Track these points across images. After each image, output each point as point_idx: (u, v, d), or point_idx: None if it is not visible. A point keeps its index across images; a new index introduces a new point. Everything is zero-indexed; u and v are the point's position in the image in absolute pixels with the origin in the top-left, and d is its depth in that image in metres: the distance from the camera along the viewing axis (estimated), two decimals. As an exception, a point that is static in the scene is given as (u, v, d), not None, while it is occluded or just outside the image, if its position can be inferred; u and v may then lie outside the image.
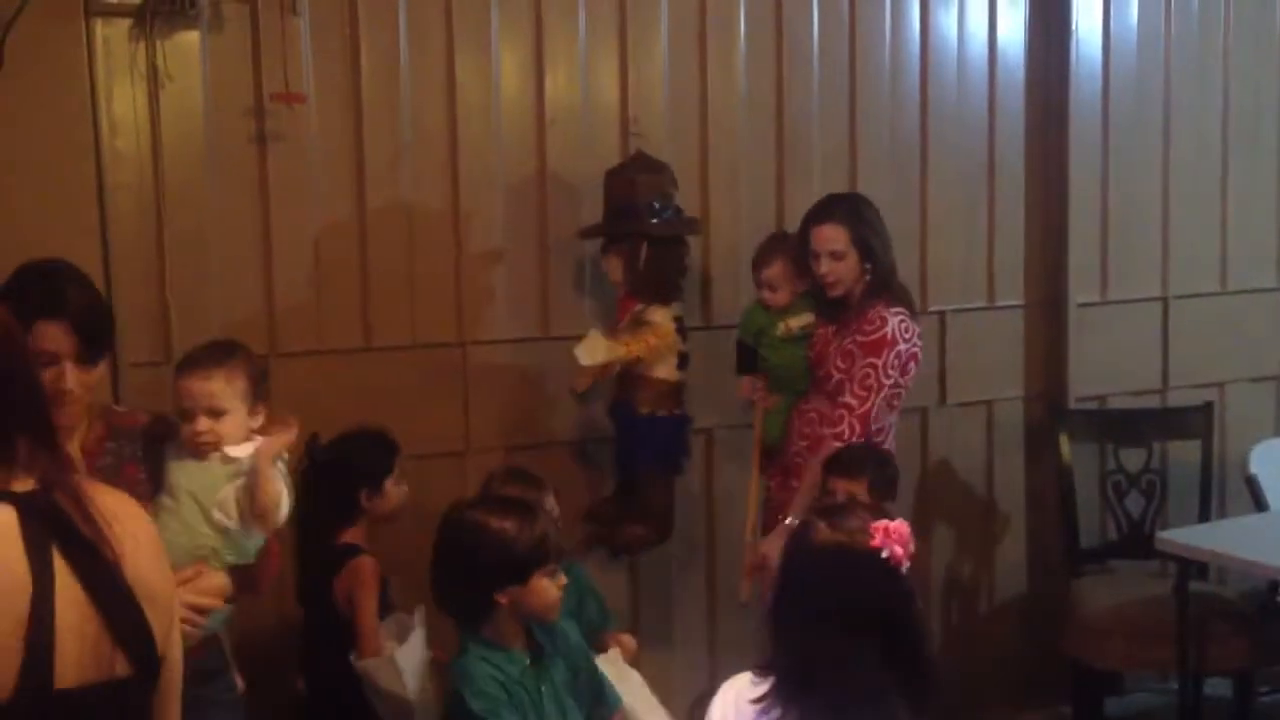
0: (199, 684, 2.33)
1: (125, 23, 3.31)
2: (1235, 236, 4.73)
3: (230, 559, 2.43)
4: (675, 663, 4.04)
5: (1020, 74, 4.40)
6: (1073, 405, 4.46)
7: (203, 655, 2.40)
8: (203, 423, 2.41)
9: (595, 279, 3.84)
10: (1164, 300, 4.64)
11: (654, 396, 3.65)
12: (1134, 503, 4.37)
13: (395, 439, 3.32)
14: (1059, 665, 4.32)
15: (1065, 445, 4.34)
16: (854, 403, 3.49)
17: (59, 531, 1.46)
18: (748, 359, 3.80)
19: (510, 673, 2.63)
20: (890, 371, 3.48)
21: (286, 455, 2.50)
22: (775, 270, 3.69)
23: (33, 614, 1.41)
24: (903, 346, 3.50)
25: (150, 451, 2.48)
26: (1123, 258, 4.56)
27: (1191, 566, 3.86)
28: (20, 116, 3.19)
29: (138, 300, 3.34)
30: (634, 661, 3.32)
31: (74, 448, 2.36)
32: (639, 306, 3.60)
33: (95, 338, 2.35)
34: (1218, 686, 4.13)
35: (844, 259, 3.54)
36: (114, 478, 2.35)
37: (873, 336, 3.49)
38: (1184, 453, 4.44)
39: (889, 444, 3.60)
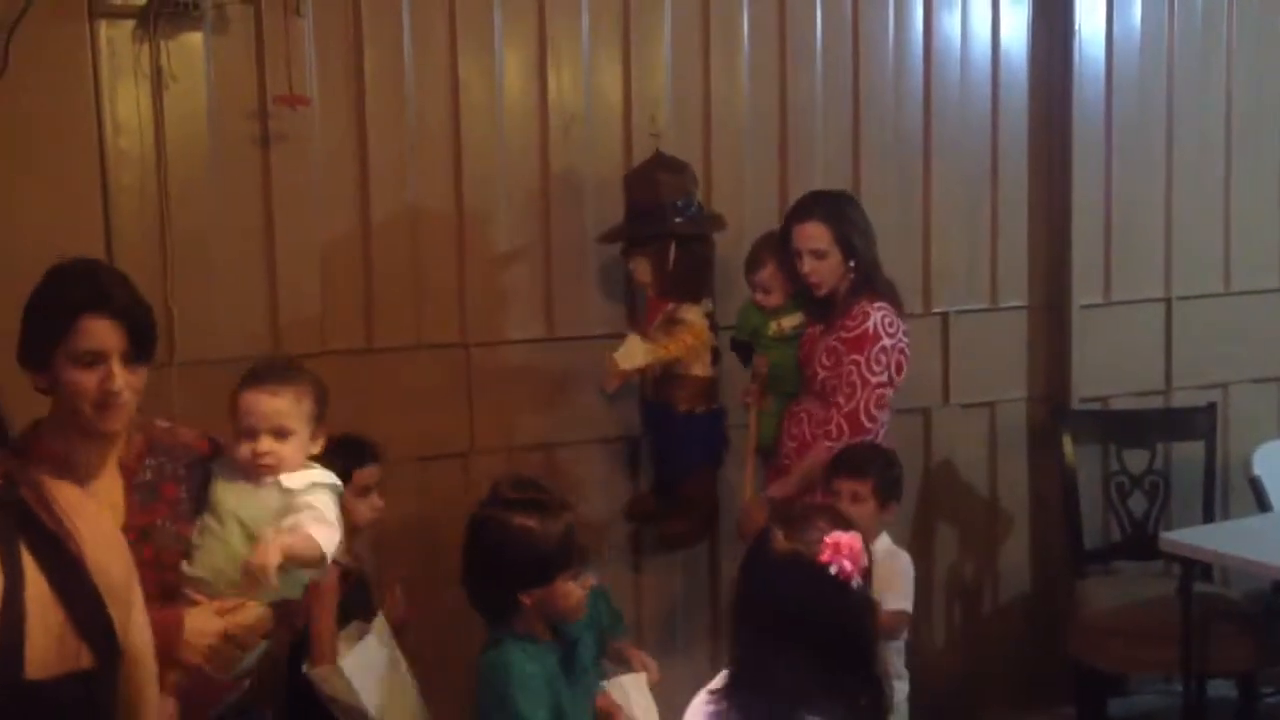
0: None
1: (129, 24, 3.31)
2: (1239, 237, 4.72)
3: (271, 595, 2.27)
4: (678, 662, 4.03)
5: (1023, 74, 4.40)
6: (1076, 406, 4.46)
7: (234, 690, 2.33)
8: (266, 443, 2.29)
9: (600, 280, 3.84)
10: (1167, 301, 4.64)
11: (691, 394, 3.67)
12: (1137, 504, 4.36)
13: (365, 450, 3.15)
14: (1062, 666, 4.32)
15: (1069, 446, 4.34)
16: (841, 401, 3.48)
17: (25, 526, 1.49)
18: (748, 355, 3.81)
19: (548, 665, 2.65)
20: (875, 368, 3.45)
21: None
22: (767, 272, 3.68)
23: (4, 608, 1.43)
24: (887, 342, 3.47)
25: (192, 470, 2.34)
26: (1126, 259, 4.56)
27: (1195, 567, 3.86)
28: (24, 118, 3.20)
29: (141, 302, 3.34)
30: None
31: (112, 462, 2.26)
32: (670, 306, 3.61)
33: (143, 335, 2.21)
34: (1221, 688, 4.13)
35: (826, 257, 3.52)
36: (152, 498, 2.28)
37: (855, 332, 3.48)
38: (1187, 453, 4.44)
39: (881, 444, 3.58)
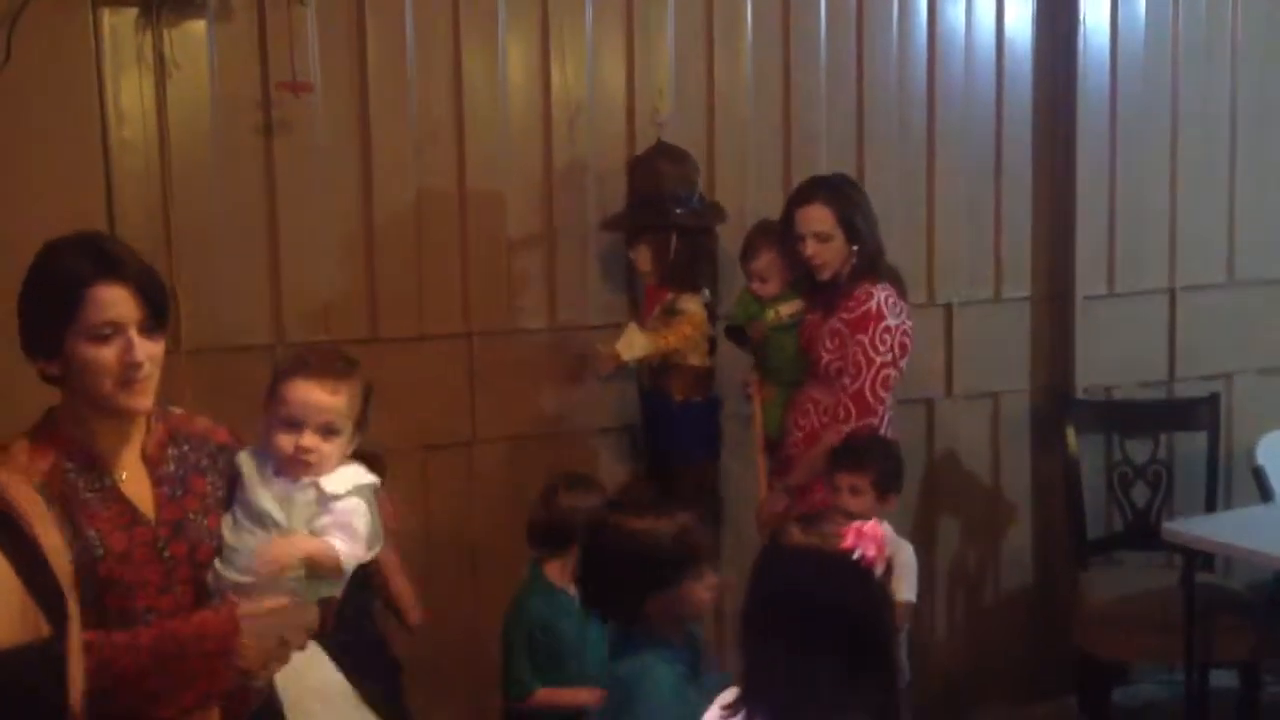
0: None
1: (132, 12, 3.32)
2: (1243, 227, 4.71)
3: (314, 594, 2.16)
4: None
5: (1028, 64, 4.39)
6: (1079, 396, 4.46)
7: (259, 697, 2.20)
8: (311, 439, 2.13)
9: (603, 270, 3.84)
10: (1171, 291, 4.63)
11: (688, 383, 3.68)
12: (1140, 494, 4.37)
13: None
14: (1064, 656, 4.33)
15: (1072, 436, 4.33)
16: (846, 382, 3.47)
17: None
18: (742, 339, 3.80)
19: (680, 669, 2.48)
20: (880, 347, 3.43)
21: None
22: (764, 261, 3.67)
23: None
24: (891, 321, 3.45)
25: (215, 460, 2.20)
26: (1130, 249, 4.55)
27: (1198, 557, 3.86)
28: (28, 106, 3.19)
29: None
30: None
31: (135, 451, 2.11)
32: (670, 296, 3.62)
33: (158, 303, 2.05)
34: (1224, 678, 4.13)
35: (830, 240, 3.50)
36: (181, 491, 2.13)
37: (858, 312, 3.46)
38: (1191, 444, 4.43)
39: (886, 433, 3.57)
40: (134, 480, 2.09)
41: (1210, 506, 4.35)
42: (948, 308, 4.33)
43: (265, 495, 2.14)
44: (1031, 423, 4.53)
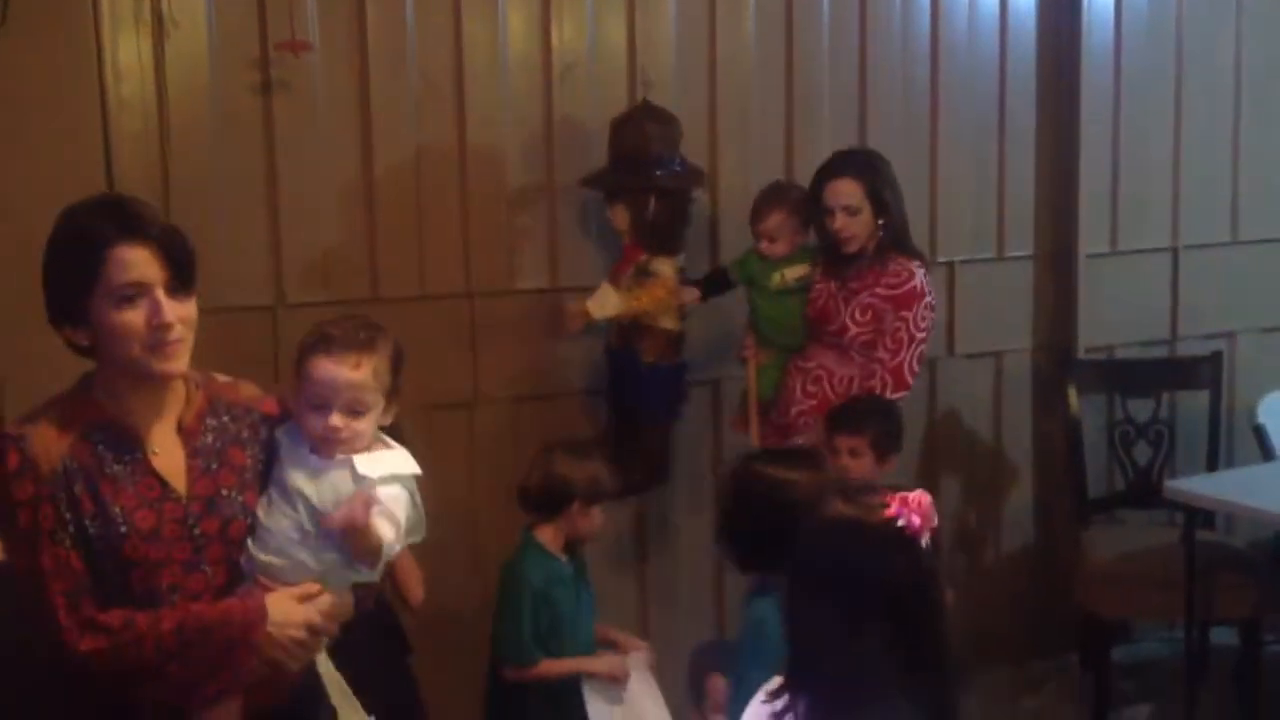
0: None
1: (130, -30, 3.29)
2: (1246, 186, 4.69)
3: (345, 581, 2.12)
4: (680, 612, 4.06)
5: (1031, 22, 4.35)
6: (1081, 355, 4.45)
7: (300, 681, 2.12)
8: (339, 419, 2.06)
9: (603, 230, 3.82)
10: (1174, 250, 4.62)
11: (658, 346, 3.68)
12: (1142, 453, 4.36)
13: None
14: (1066, 614, 4.34)
15: (1073, 396, 4.33)
16: (886, 357, 3.51)
17: None
18: (717, 282, 3.78)
19: None
20: (921, 324, 3.51)
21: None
22: (775, 221, 3.65)
23: None
24: (930, 299, 3.54)
25: (257, 432, 2.12)
26: (1133, 208, 4.53)
27: (1199, 515, 3.87)
28: (26, 65, 3.18)
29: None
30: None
31: (171, 421, 2.04)
32: (644, 257, 3.61)
33: (184, 263, 1.97)
34: (1224, 635, 4.15)
35: (859, 214, 3.52)
36: (217, 464, 2.06)
37: (901, 290, 3.51)
38: (1192, 403, 4.43)
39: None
40: (167, 453, 2.03)
41: (1212, 465, 4.35)
42: (950, 266, 4.32)
43: (298, 474, 2.08)
44: (1033, 382, 4.53)
